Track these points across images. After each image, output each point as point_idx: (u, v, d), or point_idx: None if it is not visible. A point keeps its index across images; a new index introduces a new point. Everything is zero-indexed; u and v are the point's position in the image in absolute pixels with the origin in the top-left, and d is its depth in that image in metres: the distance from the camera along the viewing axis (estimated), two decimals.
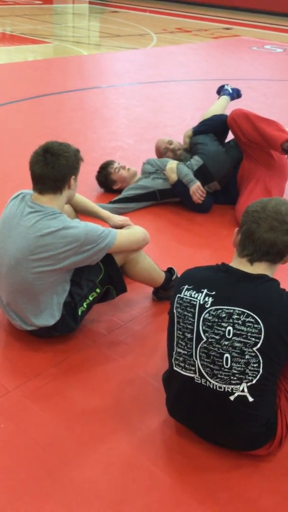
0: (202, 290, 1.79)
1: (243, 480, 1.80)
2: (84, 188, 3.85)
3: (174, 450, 1.91)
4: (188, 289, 1.82)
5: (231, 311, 1.72)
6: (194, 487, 1.77)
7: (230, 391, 1.73)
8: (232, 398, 1.73)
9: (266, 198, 1.86)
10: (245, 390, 1.71)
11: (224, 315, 1.73)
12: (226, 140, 3.92)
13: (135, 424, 2.00)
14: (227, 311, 1.73)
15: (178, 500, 1.73)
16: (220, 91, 4.32)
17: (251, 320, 1.69)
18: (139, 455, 1.87)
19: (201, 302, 1.77)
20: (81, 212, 2.69)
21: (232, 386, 1.72)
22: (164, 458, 1.88)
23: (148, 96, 6.72)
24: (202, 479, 1.80)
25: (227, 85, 4.34)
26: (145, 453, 1.88)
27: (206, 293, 1.78)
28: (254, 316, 1.69)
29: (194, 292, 1.80)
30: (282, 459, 1.87)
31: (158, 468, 1.83)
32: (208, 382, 1.76)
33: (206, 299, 1.77)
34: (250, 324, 1.69)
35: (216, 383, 1.74)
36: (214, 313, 1.74)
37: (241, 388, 1.71)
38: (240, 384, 1.71)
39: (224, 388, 1.73)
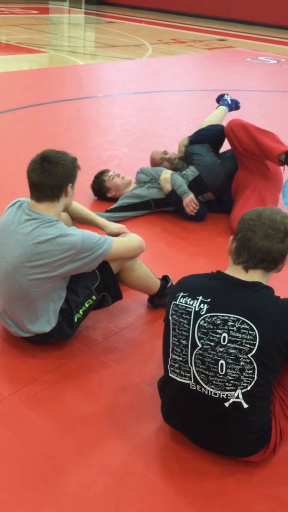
0: (198, 297, 1.81)
1: (238, 486, 1.82)
2: (81, 196, 3.88)
3: (169, 456, 1.92)
4: (183, 296, 1.84)
5: (226, 318, 1.74)
6: (188, 493, 1.78)
7: (225, 397, 1.74)
8: (227, 404, 1.75)
9: (261, 207, 1.89)
10: (240, 396, 1.73)
11: (219, 322, 1.75)
12: (222, 150, 3.96)
13: (130, 430, 2.01)
14: (222, 318, 1.75)
15: (172, 506, 1.74)
16: (220, 100, 4.34)
17: (246, 327, 1.71)
18: (134, 461, 1.88)
19: (197, 309, 1.79)
20: (78, 220, 2.72)
21: (227, 393, 1.74)
22: (158, 464, 1.89)
23: (143, 106, 6.78)
24: (197, 485, 1.81)
25: (228, 95, 4.34)
26: (140, 459, 1.89)
27: (201, 300, 1.80)
28: (249, 323, 1.71)
29: (190, 299, 1.82)
30: (276, 465, 1.89)
31: (153, 474, 1.84)
32: (203, 389, 1.77)
33: (202, 306, 1.79)
34: (245, 331, 1.71)
35: (211, 390, 1.76)
36: (209, 320, 1.76)
37: (236, 395, 1.73)
38: (235, 390, 1.73)
39: (219, 394, 1.75)
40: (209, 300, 1.79)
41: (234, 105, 4.28)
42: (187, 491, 1.80)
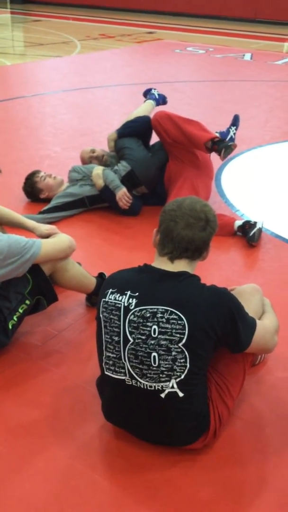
0: (126, 292, 1.80)
1: (182, 475, 1.83)
2: (12, 200, 3.81)
3: (113, 454, 1.91)
4: (112, 293, 1.83)
5: (155, 310, 1.74)
6: (134, 487, 1.78)
7: (160, 388, 1.75)
8: (163, 395, 1.75)
9: (182, 197, 1.90)
10: (175, 386, 1.74)
11: (148, 315, 1.75)
12: (151, 143, 3.97)
13: (73, 433, 1.98)
14: (151, 310, 1.75)
15: (118, 503, 1.73)
16: (147, 94, 4.34)
17: (175, 317, 1.72)
18: (78, 463, 1.86)
19: (126, 304, 1.78)
20: (6, 224, 2.65)
21: (162, 384, 1.74)
22: (103, 463, 1.88)
23: (74, 103, 6.71)
24: (142, 479, 1.81)
25: (155, 89, 4.35)
26: (84, 461, 1.87)
27: (129, 295, 1.79)
28: (177, 312, 1.72)
29: (118, 295, 1.81)
30: (218, 450, 1.91)
31: (98, 474, 1.83)
32: (138, 383, 1.77)
33: (130, 300, 1.78)
34: (174, 321, 1.72)
35: (146, 383, 1.76)
36: (138, 314, 1.76)
37: (170, 385, 1.74)
38: (169, 380, 1.74)
39: (155, 386, 1.75)
40: (137, 294, 1.79)
41: (161, 100, 4.29)
42: (133, 486, 1.79)
